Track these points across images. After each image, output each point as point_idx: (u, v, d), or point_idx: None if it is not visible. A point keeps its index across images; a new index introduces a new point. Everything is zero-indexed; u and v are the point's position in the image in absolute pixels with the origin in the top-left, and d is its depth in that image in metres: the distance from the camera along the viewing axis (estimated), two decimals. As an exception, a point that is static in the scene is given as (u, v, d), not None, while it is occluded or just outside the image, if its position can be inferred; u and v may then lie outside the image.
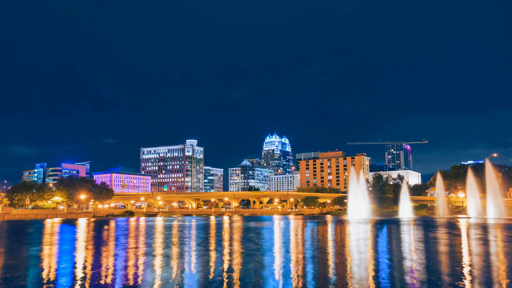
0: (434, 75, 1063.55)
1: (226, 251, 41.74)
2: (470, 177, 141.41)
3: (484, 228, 77.47)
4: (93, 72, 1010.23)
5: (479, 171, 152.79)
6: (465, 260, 34.04)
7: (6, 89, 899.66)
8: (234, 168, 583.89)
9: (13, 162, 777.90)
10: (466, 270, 28.47)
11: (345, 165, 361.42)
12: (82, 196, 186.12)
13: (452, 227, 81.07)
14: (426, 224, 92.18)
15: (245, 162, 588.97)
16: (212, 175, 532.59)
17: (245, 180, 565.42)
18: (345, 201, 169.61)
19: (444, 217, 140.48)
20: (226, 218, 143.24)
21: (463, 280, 24.95)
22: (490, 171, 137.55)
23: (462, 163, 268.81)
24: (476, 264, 31.38)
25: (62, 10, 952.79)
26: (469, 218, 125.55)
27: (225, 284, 24.23)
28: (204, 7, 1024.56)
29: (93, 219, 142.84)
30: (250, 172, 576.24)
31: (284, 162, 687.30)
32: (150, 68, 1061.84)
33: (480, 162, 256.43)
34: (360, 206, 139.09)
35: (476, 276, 26.35)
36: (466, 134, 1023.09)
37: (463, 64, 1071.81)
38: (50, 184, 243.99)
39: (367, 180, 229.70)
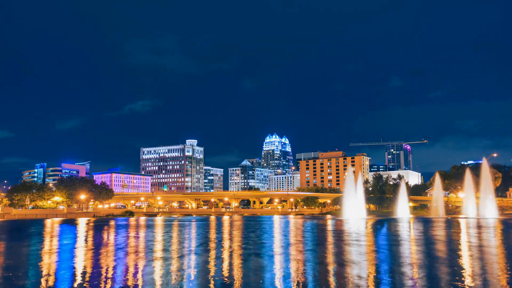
0: (434, 75, 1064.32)
1: (225, 250, 41.91)
2: (468, 177, 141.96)
3: (477, 227, 77.98)
4: (93, 73, 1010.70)
5: (478, 171, 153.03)
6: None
7: (10, 91, 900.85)
8: (234, 168, 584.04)
9: (13, 162, 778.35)
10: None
11: (345, 165, 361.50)
12: (82, 196, 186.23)
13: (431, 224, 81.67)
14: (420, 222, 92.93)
15: (245, 162, 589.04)
16: (212, 175, 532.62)
17: (245, 180, 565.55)
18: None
19: (442, 216, 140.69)
20: (226, 218, 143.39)
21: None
22: (486, 171, 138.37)
23: (462, 163, 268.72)
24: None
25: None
26: (465, 218, 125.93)
27: (225, 283, 24.38)
28: (203, 8, 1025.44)
29: (93, 219, 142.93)
30: (250, 172, 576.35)
31: (284, 162, 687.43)
32: (150, 68, 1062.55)
33: (480, 162, 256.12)
34: (357, 206, 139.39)
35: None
36: (467, 134, 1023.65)
37: (465, 66, 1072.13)
38: (50, 184, 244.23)
39: (367, 180, 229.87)
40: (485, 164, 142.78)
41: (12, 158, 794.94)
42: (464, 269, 29.27)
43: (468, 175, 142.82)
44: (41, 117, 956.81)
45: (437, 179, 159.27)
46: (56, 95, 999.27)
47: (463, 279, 24.93)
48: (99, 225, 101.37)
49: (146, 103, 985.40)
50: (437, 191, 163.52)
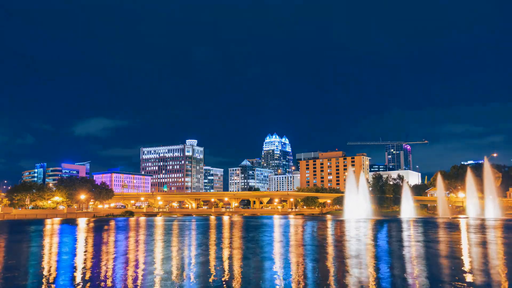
0: (434, 75, 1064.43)
1: (225, 250, 41.80)
2: (469, 177, 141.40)
3: (482, 227, 77.79)
4: (94, 74, 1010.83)
5: (479, 171, 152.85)
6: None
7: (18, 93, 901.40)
8: (234, 168, 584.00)
9: (13, 163, 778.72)
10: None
11: (345, 165, 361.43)
12: (82, 196, 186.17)
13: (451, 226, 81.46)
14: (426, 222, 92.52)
15: (245, 162, 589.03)
16: (212, 175, 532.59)
17: (245, 180, 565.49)
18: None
19: (444, 217, 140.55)
20: (226, 218, 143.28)
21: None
22: (488, 171, 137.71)
23: (462, 163, 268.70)
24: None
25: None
26: (467, 218, 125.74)
27: (224, 283, 24.28)
28: (202, 10, 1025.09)
29: (93, 219, 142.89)
30: (250, 172, 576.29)
31: (284, 162, 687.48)
32: (150, 69, 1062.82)
33: (480, 162, 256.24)
34: (358, 205, 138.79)
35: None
36: (466, 135, 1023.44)
37: (465, 66, 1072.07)
38: (50, 184, 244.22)
39: (367, 180, 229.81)
40: (486, 163, 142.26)
41: (32, 161, 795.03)
42: None
43: (469, 175, 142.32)
44: (41, 118, 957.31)
45: (439, 179, 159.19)
46: (57, 96, 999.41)
47: None
48: (99, 225, 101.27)
49: (153, 114, 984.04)
50: (439, 191, 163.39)
